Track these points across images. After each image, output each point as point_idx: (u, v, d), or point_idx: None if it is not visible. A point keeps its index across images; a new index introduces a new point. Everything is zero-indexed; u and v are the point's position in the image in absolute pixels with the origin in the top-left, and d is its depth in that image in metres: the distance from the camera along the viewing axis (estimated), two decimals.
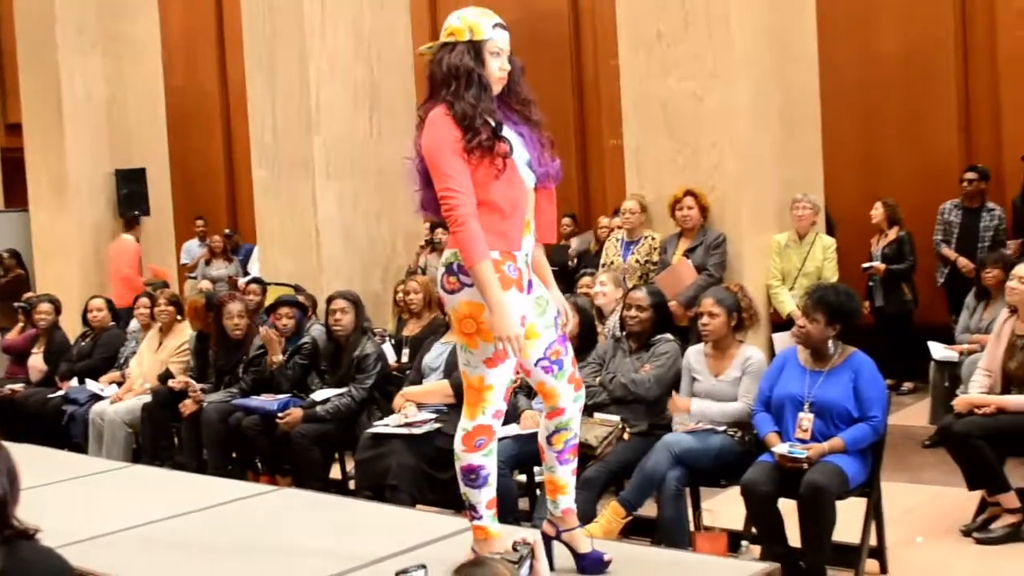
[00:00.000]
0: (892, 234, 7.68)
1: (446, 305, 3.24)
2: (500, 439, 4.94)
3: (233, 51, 12.60)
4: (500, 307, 2.98)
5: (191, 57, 13.65)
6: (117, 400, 6.97)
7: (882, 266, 7.62)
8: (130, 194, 10.34)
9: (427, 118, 3.13)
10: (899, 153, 8.76)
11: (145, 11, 10.92)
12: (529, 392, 5.46)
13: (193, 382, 6.56)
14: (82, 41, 10.31)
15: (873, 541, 4.43)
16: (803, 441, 4.34)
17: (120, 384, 7.22)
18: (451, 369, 5.46)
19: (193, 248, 12.70)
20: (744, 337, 4.94)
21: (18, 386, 7.78)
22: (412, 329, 6.83)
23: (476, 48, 3.15)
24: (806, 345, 4.52)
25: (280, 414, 5.96)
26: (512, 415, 5.27)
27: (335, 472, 6.21)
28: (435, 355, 5.64)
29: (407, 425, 5.23)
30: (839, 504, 4.19)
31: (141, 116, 10.69)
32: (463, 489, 3.25)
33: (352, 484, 5.88)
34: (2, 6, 12.91)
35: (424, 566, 2.36)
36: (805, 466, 4.20)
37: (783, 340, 6.22)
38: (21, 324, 8.41)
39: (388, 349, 6.44)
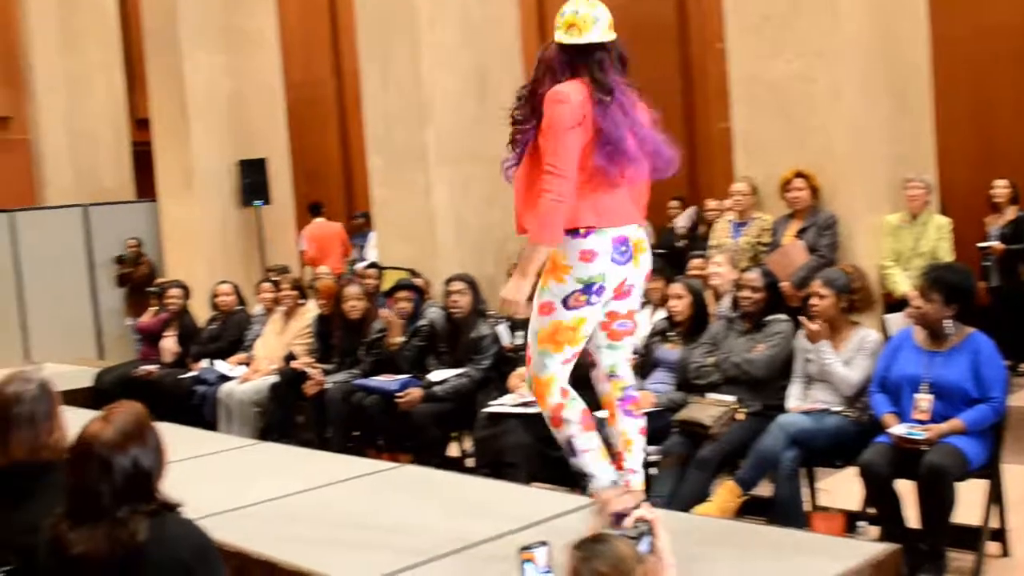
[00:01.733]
0: (1011, 213, 7.51)
1: (545, 316, 3.28)
2: None
3: (347, 44, 12.88)
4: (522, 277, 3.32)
5: (307, 50, 13.98)
6: (245, 381, 7.25)
7: (1000, 246, 7.46)
8: (252, 184, 10.65)
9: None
10: (1014, 129, 8.53)
11: (264, 6, 11.18)
12: (642, 372, 5.54)
13: (315, 364, 6.81)
14: (204, 37, 10.61)
15: (994, 523, 4.39)
16: (921, 422, 4.31)
17: (247, 365, 7.51)
18: None
19: None
20: (859, 318, 4.93)
21: (153, 367, 8.09)
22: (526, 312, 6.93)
23: None
24: (923, 325, 4.48)
25: (400, 394, 6.15)
26: None
27: (453, 450, 6.37)
28: None
29: (523, 404, 5.33)
30: (958, 486, 4.16)
31: (261, 108, 10.97)
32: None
33: (470, 462, 6.03)
34: (132, 7, 13.40)
35: (546, 543, 2.45)
36: (924, 447, 4.19)
37: (896, 321, 6.16)
38: (154, 308, 8.76)
39: (503, 331, 6.57)
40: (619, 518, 3.18)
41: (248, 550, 3.62)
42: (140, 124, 13.19)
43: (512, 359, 6.20)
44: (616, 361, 3.47)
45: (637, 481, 3.44)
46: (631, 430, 3.45)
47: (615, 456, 3.45)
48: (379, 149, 8.99)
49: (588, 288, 3.24)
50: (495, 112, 8.92)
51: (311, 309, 7.46)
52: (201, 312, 8.53)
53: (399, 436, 6.24)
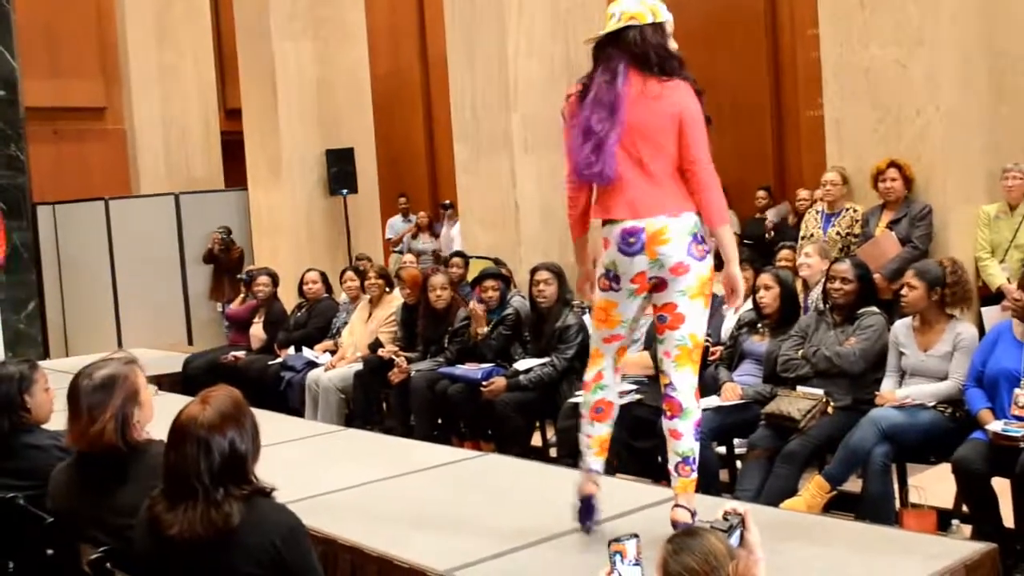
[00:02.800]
0: None
1: (688, 272, 3.33)
2: (702, 410, 5.03)
3: (434, 33, 12.96)
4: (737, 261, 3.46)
5: (394, 39, 14.09)
6: (331, 368, 7.34)
7: None
8: (339, 173, 10.76)
9: (682, 89, 3.37)
10: None
11: None
12: (729, 364, 5.49)
13: (400, 352, 6.86)
14: (294, 26, 10.73)
15: None
16: (1019, 418, 4.20)
17: (333, 352, 7.60)
18: (651, 341, 5.53)
19: (397, 224, 13.13)
20: (955, 312, 4.81)
21: (240, 353, 8.23)
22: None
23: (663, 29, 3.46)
24: (1021, 318, 4.37)
25: (484, 383, 6.17)
26: (712, 387, 5.31)
27: (536, 440, 6.38)
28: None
29: None
30: None
31: (349, 97, 11.07)
32: (692, 444, 3.41)
33: (553, 452, 6.03)
34: None
35: (636, 535, 2.42)
36: (1022, 444, 4.08)
37: (992, 314, 6.00)
38: (243, 295, 8.90)
39: (588, 320, 6.54)
40: (586, 502, 3.53)
41: (335, 535, 3.66)
42: (230, 114, 13.42)
43: None
44: (659, 355, 3.51)
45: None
46: (665, 429, 3.48)
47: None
48: (465, 137, 9.02)
49: (607, 273, 3.42)
50: None
51: (396, 297, 7.52)
52: (288, 300, 8.66)
53: (482, 424, 6.27)
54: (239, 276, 9.61)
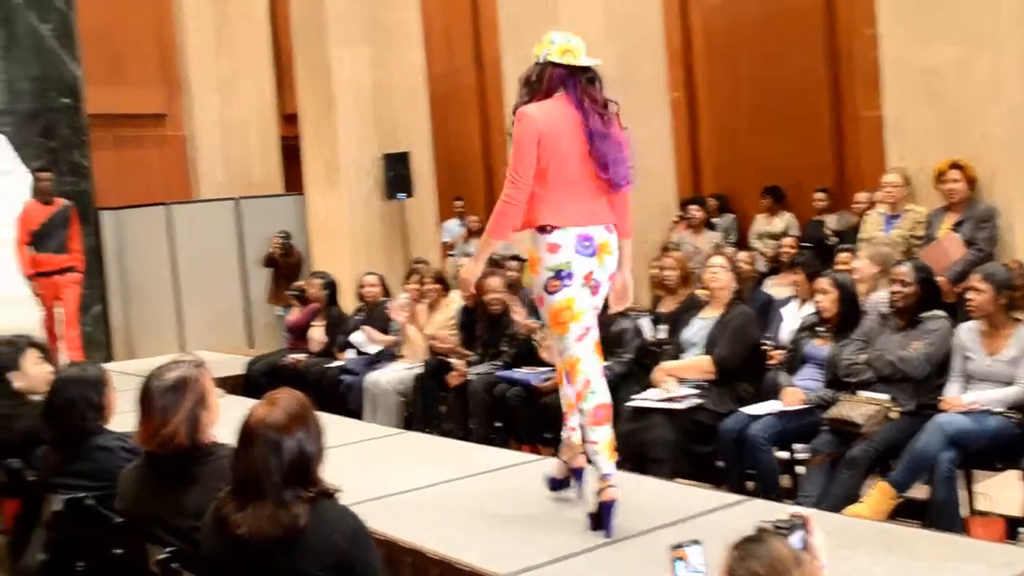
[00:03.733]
0: None
1: (544, 306, 3.78)
2: (762, 415, 5.00)
3: (488, 36, 12.99)
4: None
5: (449, 43, 14.15)
6: (393, 358, 7.41)
7: None
8: (396, 177, 10.81)
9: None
10: None
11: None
12: (790, 368, 5.43)
13: (458, 349, 6.90)
14: (350, 31, 10.79)
15: None
16: None
17: (393, 350, 7.68)
18: (711, 345, 5.50)
19: (453, 227, 13.18)
20: (1022, 315, 4.73)
21: (300, 356, 8.31)
22: (668, 305, 6.88)
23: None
24: None
25: (542, 384, 6.16)
26: (772, 391, 5.27)
27: None
28: (694, 330, 5.68)
29: (668, 400, 5.30)
30: None
31: (405, 101, 11.11)
32: None
33: None
34: (280, 4, 13.78)
35: (698, 541, 2.40)
36: None
37: None
38: (296, 307, 8.99)
39: (645, 324, 6.53)
40: (606, 508, 3.66)
41: (396, 538, 3.69)
42: (288, 119, 13.56)
43: (655, 352, 6.15)
44: None
45: (575, 437, 3.97)
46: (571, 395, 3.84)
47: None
48: None
49: (559, 274, 3.69)
50: (638, 106, 8.97)
51: (454, 300, 7.54)
52: (347, 303, 8.72)
53: (541, 428, 6.26)
54: (287, 293, 9.71)
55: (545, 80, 3.77)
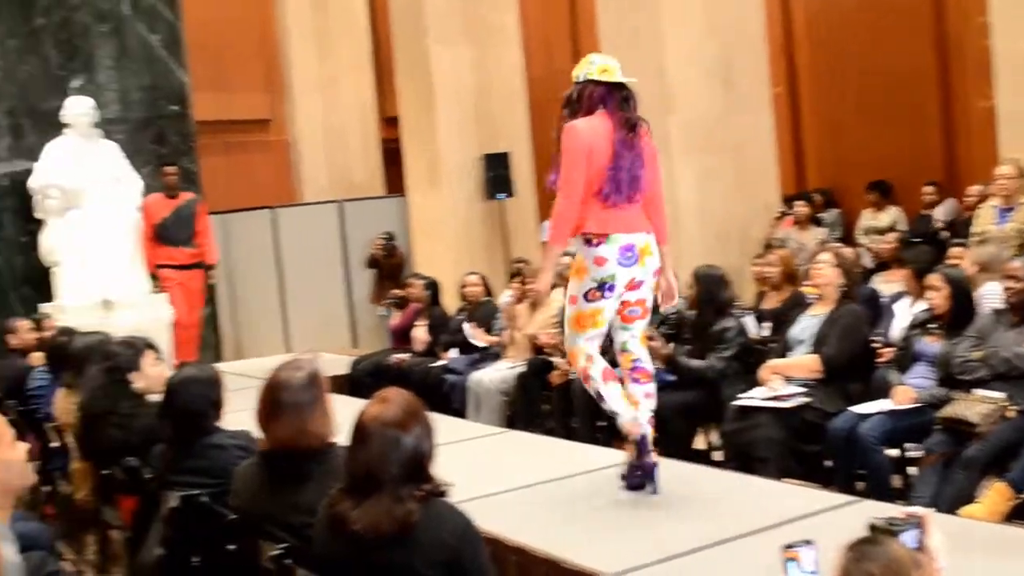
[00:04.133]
0: None
1: (574, 305, 4.17)
2: (871, 414, 4.90)
3: (587, 36, 12.94)
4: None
5: (547, 44, 14.13)
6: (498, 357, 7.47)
7: None
8: (496, 177, 10.86)
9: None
10: None
11: (507, 0, 11.40)
12: (901, 367, 5.31)
13: (562, 354, 6.88)
14: (450, 32, 10.86)
15: None
16: None
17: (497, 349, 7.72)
18: (819, 343, 5.40)
19: None
20: None
21: (404, 356, 8.40)
22: (772, 302, 6.79)
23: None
24: None
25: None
26: (882, 390, 5.16)
27: (699, 443, 6.30)
28: (801, 327, 5.57)
29: (775, 398, 5.23)
30: None
31: (504, 102, 11.15)
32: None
33: (717, 455, 5.95)
34: (380, 8, 13.96)
35: (811, 542, 2.36)
36: None
37: None
38: (397, 312, 9.09)
39: (750, 322, 6.44)
40: (642, 443, 4.09)
41: (501, 536, 3.69)
42: (389, 121, 13.72)
43: (759, 351, 6.07)
44: (627, 339, 4.25)
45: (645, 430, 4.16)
46: (638, 393, 4.22)
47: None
48: None
49: (602, 286, 4.06)
50: (740, 101, 8.89)
51: (557, 299, 7.53)
52: (449, 303, 8.79)
53: None
54: (385, 303, 9.81)
55: (585, 98, 4.11)
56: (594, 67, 4.16)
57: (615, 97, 4.10)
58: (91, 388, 4.58)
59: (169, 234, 9.41)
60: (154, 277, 9.36)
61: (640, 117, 4.14)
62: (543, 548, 3.58)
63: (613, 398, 4.17)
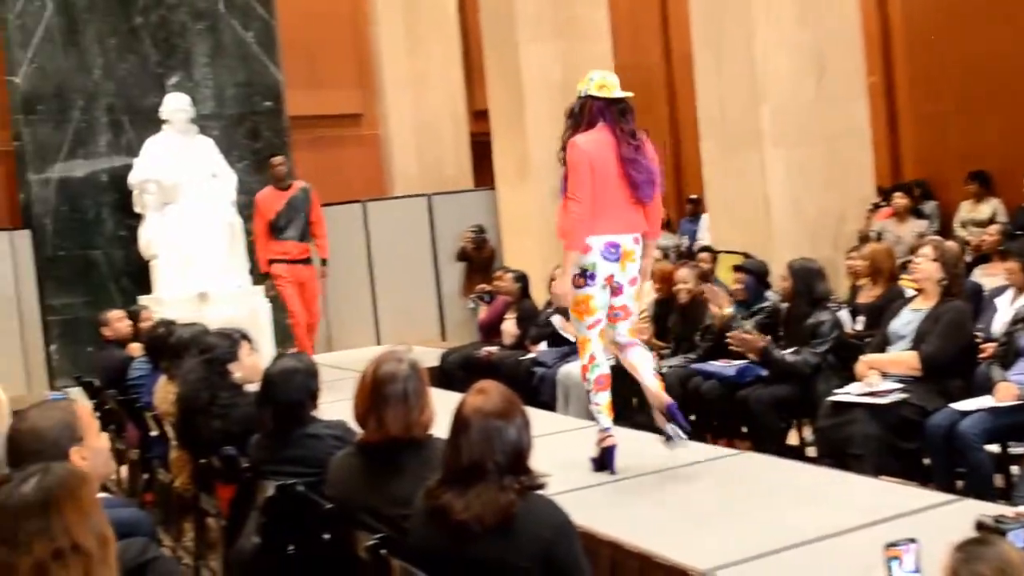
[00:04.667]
0: None
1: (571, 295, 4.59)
2: (972, 411, 4.78)
3: (677, 28, 12.85)
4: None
5: (636, 36, 14.05)
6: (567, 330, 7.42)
7: None
8: None
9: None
10: None
11: None
12: (1004, 362, 5.16)
13: (652, 348, 6.84)
14: (538, 28, 10.86)
15: None
16: None
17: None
18: (920, 339, 5.27)
19: None
20: None
21: (494, 349, 8.43)
22: (867, 296, 6.65)
23: None
24: None
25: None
26: (984, 386, 5.02)
27: (792, 438, 6.21)
28: (903, 322, 5.43)
29: (871, 394, 5.12)
30: None
31: None
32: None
33: (810, 451, 5.86)
34: (470, 3, 14.01)
35: (915, 540, 2.31)
36: None
37: None
38: (485, 306, 9.11)
39: (845, 316, 6.33)
40: (608, 452, 4.55)
41: (594, 530, 3.68)
42: (478, 115, 13.76)
43: (855, 346, 5.95)
44: (616, 331, 4.69)
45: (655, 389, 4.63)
46: (633, 356, 4.69)
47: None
48: (712, 133, 8.91)
49: (584, 273, 4.50)
50: (833, 93, 8.75)
51: (647, 293, 7.49)
52: (538, 297, 8.79)
53: (737, 422, 6.16)
54: (471, 296, 9.83)
55: (586, 112, 4.48)
56: (593, 83, 4.51)
57: (612, 110, 4.45)
58: (190, 379, 4.67)
59: (283, 229, 9.04)
60: (266, 276, 9.16)
61: (637, 127, 4.50)
62: (634, 542, 3.56)
63: (599, 406, 4.60)
